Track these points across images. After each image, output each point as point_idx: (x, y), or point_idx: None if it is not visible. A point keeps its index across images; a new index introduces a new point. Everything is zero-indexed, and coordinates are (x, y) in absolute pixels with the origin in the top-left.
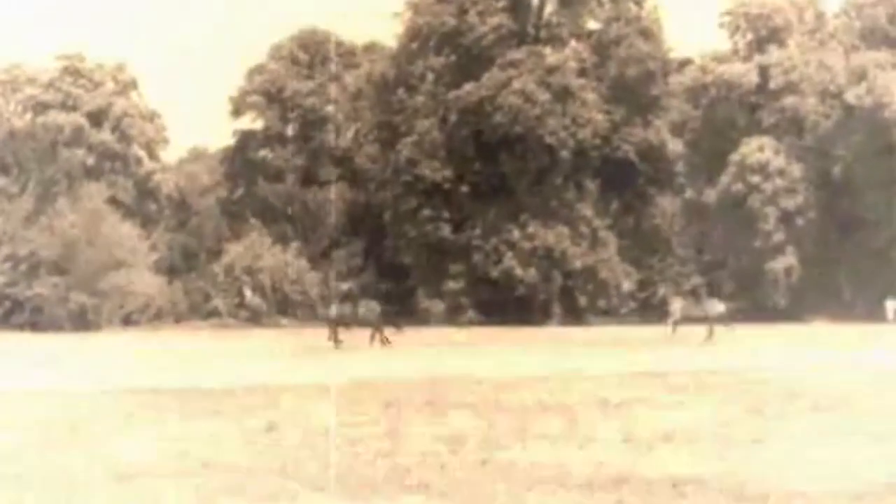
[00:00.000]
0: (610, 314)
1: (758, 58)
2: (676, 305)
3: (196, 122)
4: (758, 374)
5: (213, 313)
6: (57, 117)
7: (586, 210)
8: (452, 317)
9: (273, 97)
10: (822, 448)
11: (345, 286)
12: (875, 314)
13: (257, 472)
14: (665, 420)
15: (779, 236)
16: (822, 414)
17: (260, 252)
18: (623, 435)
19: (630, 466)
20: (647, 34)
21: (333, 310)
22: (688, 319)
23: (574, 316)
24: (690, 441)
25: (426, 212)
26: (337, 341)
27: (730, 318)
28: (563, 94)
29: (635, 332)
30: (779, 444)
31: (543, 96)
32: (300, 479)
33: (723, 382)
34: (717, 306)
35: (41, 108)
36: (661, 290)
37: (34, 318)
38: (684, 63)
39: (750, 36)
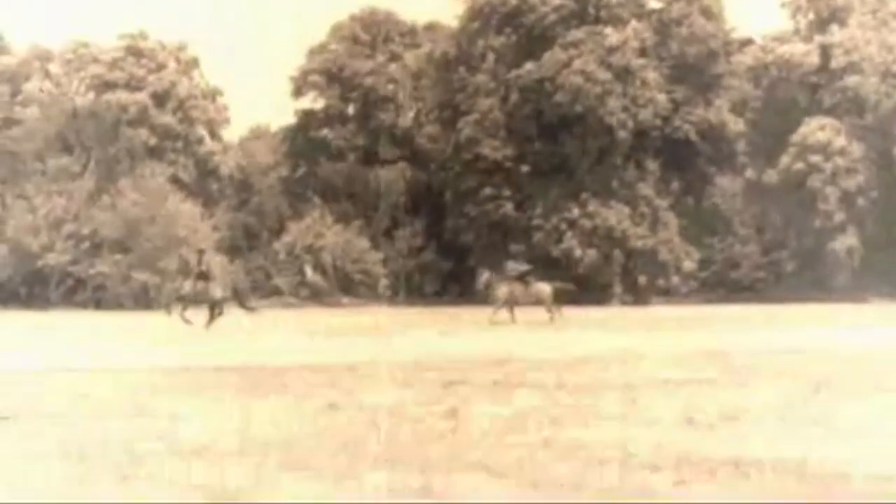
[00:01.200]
0: (671, 294)
1: (819, 38)
2: (502, 290)
3: (257, 101)
4: (820, 354)
5: (275, 292)
6: (121, 96)
7: (647, 190)
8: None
9: (334, 76)
10: (886, 428)
11: (203, 266)
12: None
13: (319, 450)
14: (727, 400)
15: (840, 216)
16: (886, 394)
17: (321, 231)
18: (685, 415)
19: (692, 447)
20: (708, 13)
21: (186, 287)
22: (515, 303)
23: (634, 296)
24: (753, 421)
25: (487, 191)
26: (185, 320)
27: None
28: (624, 74)
29: (696, 312)
30: (842, 425)
31: (604, 76)
32: (362, 457)
33: (785, 362)
34: (545, 289)
35: (105, 87)
36: (485, 276)
37: (97, 296)
38: (745, 43)
39: (811, 16)
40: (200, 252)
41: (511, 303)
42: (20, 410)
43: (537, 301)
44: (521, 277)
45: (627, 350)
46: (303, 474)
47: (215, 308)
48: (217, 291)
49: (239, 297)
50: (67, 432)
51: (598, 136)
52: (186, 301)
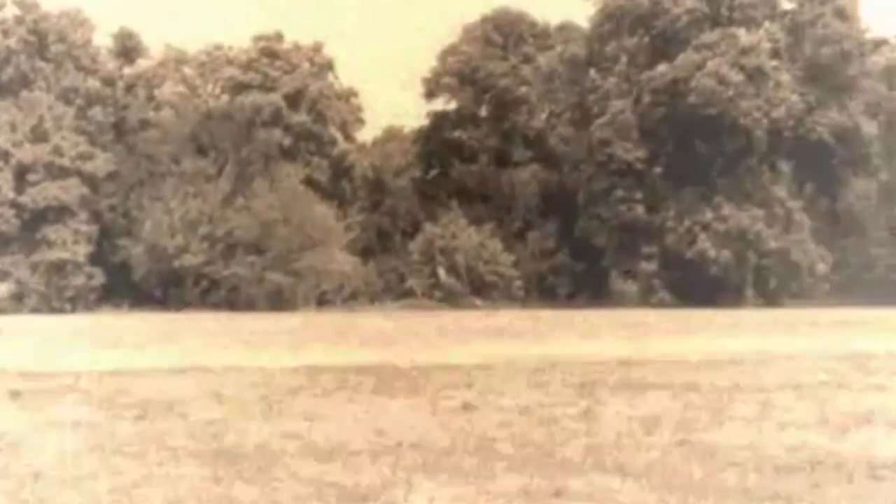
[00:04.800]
0: (803, 297)
1: None
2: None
3: (390, 102)
4: None
5: (408, 294)
6: (256, 98)
7: (780, 192)
8: (645, 298)
9: (466, 78)
10: None
11: None
12: None
13: (453, 451)
14: (862, 402)
15: None
16: None
17: (455, 232)
18: (819, 417)
19: (826, 449)
20: (842, 14)
21: None
22: None
23: (767, 298)
24: (888, 424)
25: (619, 193)
26: None
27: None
28: (757, 76)
29: (830, 315)
30: None
31: (737, 77)
32: (496, 458)
33: None
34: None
35: (239, 88)
36: None
37: (231, 297)
38: (879, 43)
39: None
40: None
41: None
42: (156, 410)
43: None
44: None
45: (762, 352)
46: (436, 476)
47: None
48: None
49: None
50: (203, 432)
51: (731, 137)
52: None
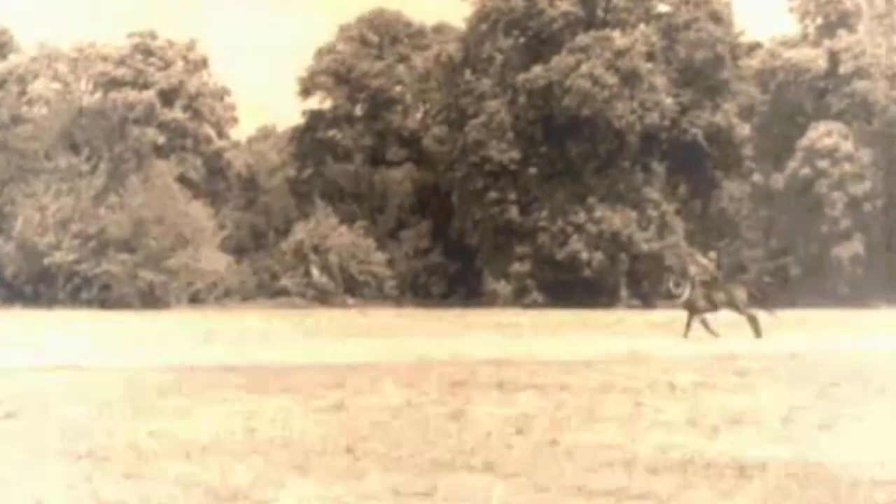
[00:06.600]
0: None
1: (827, 42)
2: None
3: (265, 101)
4: (825, 358)
5: (281, 292)
6: (128, 95)
7: (654, 193)
8: (518, 298)
9: (342, 77)
10: (889, 432)
11: None
12: None
13: (324, 450)
14: (732, 403)
15: (846, 222)
16: (889, 397)
17: (328, 231)
18: (689, 418)
19: (696, 449)
20: (716, 17)
21: None
22: None
23: (640, 300)
24: (757, 424)
25: (493, 193)
26: None
27: None
28: (632, 78)
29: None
30: (846, 429)
31: (612, 80)
32: (368, 458)
33: (790, 366)
34: None
35: (112, 85)
36: None
37: (103, 296)
38: (753, 47)
39: (819, 20)
40: None
41: None
42: (25, 408)
43: None
44: None
45: (633, 353)
46: (308, 476)
47: None
48: None
49: None
50: (72, 430)
51: (605, 139)
52: None
